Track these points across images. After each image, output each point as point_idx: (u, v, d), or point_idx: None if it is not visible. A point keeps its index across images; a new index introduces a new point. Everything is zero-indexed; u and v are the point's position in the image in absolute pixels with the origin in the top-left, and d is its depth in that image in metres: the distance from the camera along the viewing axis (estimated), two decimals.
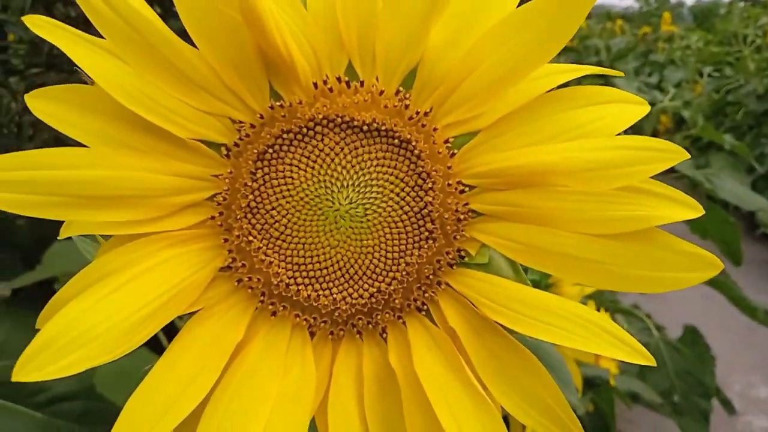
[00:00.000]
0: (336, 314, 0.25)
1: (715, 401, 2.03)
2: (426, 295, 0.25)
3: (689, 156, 0.22)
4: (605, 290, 2.17)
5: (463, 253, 0.25)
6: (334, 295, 0.25)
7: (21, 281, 1.08)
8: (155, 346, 0.32)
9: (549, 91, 0.25)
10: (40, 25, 0.23)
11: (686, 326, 1.94)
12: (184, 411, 0.23)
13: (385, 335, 0.26)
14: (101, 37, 0.23)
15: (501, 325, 0.25)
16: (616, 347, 0.23)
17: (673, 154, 0.22)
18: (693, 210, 0.22)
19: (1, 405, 0.98)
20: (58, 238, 0.26)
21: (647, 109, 0.25)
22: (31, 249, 1.14)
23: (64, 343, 0.22)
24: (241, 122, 0.25)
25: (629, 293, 2.79)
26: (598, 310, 1.73)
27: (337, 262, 0.25)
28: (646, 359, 0.23)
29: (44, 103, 0.23)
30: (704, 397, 1.85)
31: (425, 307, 0.26)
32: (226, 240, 0.25)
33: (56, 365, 0.21)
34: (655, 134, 1.97)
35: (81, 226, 0.25)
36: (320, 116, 0.24)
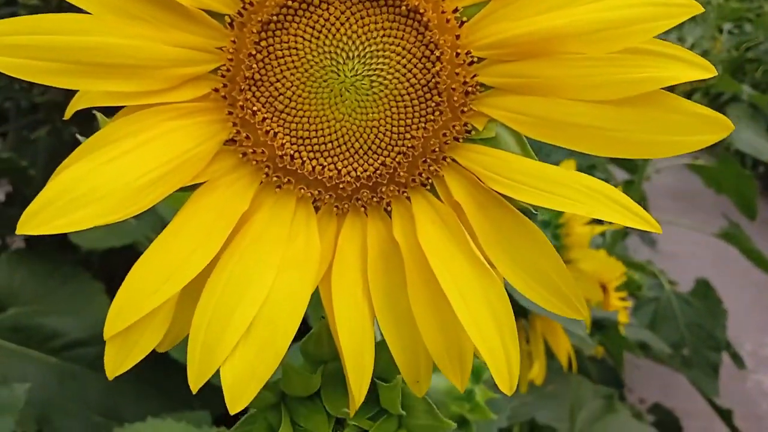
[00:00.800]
0: (340, 188, 0.25)
1: (726, 357, 2.03)
2: (431, 169, 0.25)
3: (702, 10, 0.21)
4: (616, 246, 2.15)
5: (469, 128, 0.25)
6: (339, 169, 0.25)
7: None
8: None
9: None
10: None
11: (698, 279, 1.94)
12: (188, 276, 0.23)
13: (389, 210, 0.25)
14: None
15: (507, 199, 0.25)
16: (621, 214, 0.23)
17: (683, 8, 0.21)
18: (703, 70, 0.22)
19: (17, 350, 1.01)
20: (64, 117, 0.26)
21: None
22: None
23: (71, 200, 0.22)
24: None
25: (642, 249, 2.77)
26: (630, 274, 1.73)
27: (343, 135, 0.25)
28: (653, 227, 0.23)
29: None
30: (714, 350, 1.85)
31: (430, 181, 0.25)
32: (230, 113, 0.25)
33: (63, 220, 0.21)
34: (672, 91, 1.94)
35: (89, 98, 0.25)
36: None
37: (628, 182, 2.10)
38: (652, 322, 1.88)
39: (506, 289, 0.72)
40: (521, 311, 0.90)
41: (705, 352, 1.83)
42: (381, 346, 0.25)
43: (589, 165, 2.11)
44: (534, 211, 0.25)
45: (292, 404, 0.27)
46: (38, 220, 0.21)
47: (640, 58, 0.22)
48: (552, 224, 0.88)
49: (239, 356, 0.22)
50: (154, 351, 0.23)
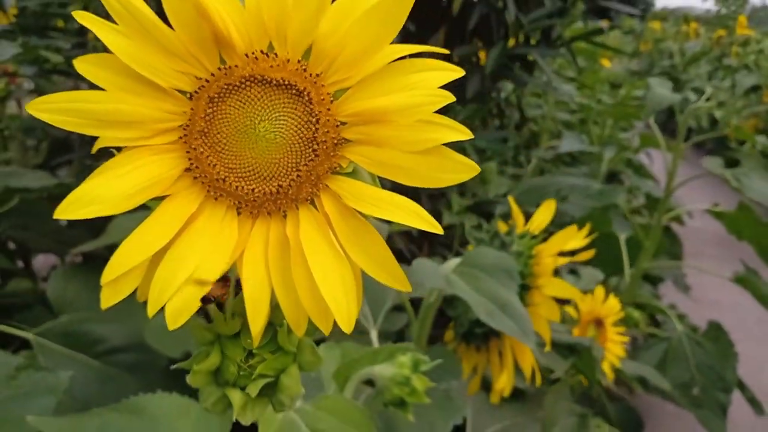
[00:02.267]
0: (253, 200, 0.39)
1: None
2: (311, 191, 0.39)
3: (453, 99, 0.35)
4: (637, 288, 2.20)
5: (336, 166, 0.39)
6: (253, 188, 0.39)
7: (87, 247, 1.27)
8: None
9: (396, 62, 0.38)
10: (83, 17, 0.38)
11: (710, 322, 1.99)
12: (154, 249, 0.38)
13: (285, 214, 0.40)
14: (116, 23, 0.38)
15: (358, 211, 0.39)
16: (415, 220, 0.37)
17: (443, 98, 0.36)
18: (464, 134, 0.36)
19: (65, 353, 1.16)
20: (92, 152, 0.42)
21: (461, 73, 0.38)
22: (99, 223, 1.33)
23: (87, 200, 0.37)
24: (200, 78, 0.39)
25: (669, 295, 2.79)
26: (628, 312, 1.81)
27: (256, 167, 0.39)
28: (435, 228, 0.36)
29: (83, 65, 0.38)
30: (724, 391, 1.89)
31: (311, 198, 0.40)
32: (188, 152, 0.40)
33: (81, 211, 0.37)
34: (689, 133, 2.02)
35: (105, 141, 0.40)
36: (249, 75, 0.39)
37: (645, 226, 2.17)
38: (662, 360, 1.94)
39: (480, 317, 0.88)
40: (494, 331, 1.02)
41: (714, 393, 1.88)
42: (279, 307, 0.40)
43: (610, 206, 2.18)
44: (373, 219, 0.39)
45: (223, 341, 0.42)
46: (67, 211, 0.37)
47: (427, 125, 0.36)
48: (524, 255, 1.00)
49: (176, 298, 0.37)
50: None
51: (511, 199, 1.08)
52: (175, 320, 0.36)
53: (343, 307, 0.38)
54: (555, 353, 1.09)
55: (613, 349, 1.47)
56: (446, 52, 0.39)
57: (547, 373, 1.30)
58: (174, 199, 0.39)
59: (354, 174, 0.40)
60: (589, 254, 0.96)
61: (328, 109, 0.39)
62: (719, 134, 1.94)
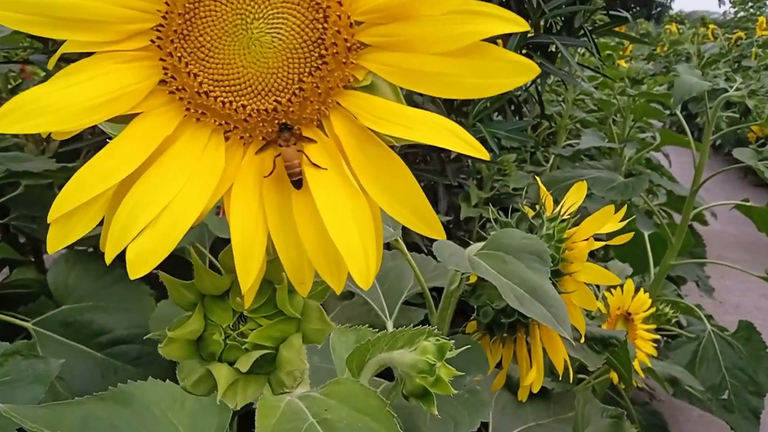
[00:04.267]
0: (245, 121, 0.31)
1: None
2: (318, 109, 0.31)
3: None
4: (660, 286, 2.11)
5: (350, 77, 0.31)
6: (245, 105, 0.31)
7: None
8: None
9: None
10: None
11: (741, 321, 1.88)
12: (116, 178, 0.30)
13: None
14: None
15: (377, 134, 0.30)
16: (455, 142, 0.28)
17: None
18: (515, 24, 0.27)
19: (66, 344, 1.10)
20: (49, 65, 0.34)
21: None
22: None
23: (30, 110, 0.29)
24: None
25: (691, 297, 2.71)
26: (659, 307, 1.72)
27: (249, 79, 0.31)
28: (480, 153, 0.28)
29: None
30: (756, 395, 1.79)
31: (318, 118, 0.31)
32: (162, 59, 0.31)
33: (22, 124, 0.29)
34: (718, 127, 1.93)
35: (66, 46, 0.32)
36: None
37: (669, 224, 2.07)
38: (691, 362, 1.84)
39: (508, 302, 0.76)
40: (522, 321, 0.93)
41: (746, 397, 1.77)
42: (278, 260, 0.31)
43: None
44: (396, 144, 0.30)
45: (207, 303, 0.33)
46: (6, 120, 0.29)
47: (466, 16, 0.28)
48: (555, 238, 0.91)
49: (142, 239, 0.28)
50: None
51: (538, 179, 1.00)
52: (137, 267, 0.28)
53: (359, 255, 0.29)
54: (587, 348, 1.00)
55: (644, 347, 1.38)
56: None
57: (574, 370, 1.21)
58: (146, 118, 0.31)
59: (372, 88, 0.31)
60: (626, 238, 0.87)
61: (339, 3, 0.30)
62: (754, 124, 1.84)
